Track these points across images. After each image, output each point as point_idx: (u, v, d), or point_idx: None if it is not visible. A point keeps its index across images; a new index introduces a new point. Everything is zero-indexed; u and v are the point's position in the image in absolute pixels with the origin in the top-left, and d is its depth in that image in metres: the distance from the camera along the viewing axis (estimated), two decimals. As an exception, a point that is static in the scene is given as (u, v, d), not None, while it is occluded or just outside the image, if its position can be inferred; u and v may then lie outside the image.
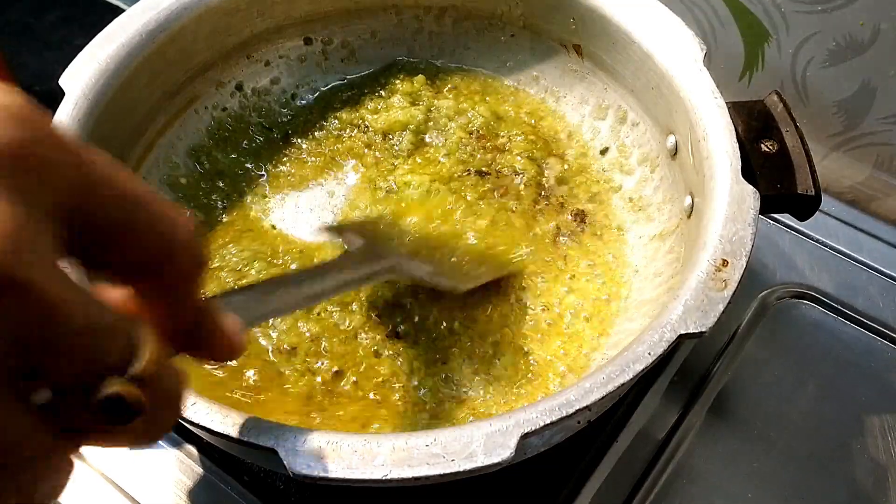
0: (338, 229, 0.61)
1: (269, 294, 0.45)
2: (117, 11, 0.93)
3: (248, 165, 0.72)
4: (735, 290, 0.48)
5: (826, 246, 0.75)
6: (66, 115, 0.58)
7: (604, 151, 0.72)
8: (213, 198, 0.70)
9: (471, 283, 0.57)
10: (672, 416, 0.64)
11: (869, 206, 0.79)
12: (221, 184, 0.71)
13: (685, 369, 0.67)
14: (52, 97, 0.97)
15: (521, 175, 0.70)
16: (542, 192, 0.70)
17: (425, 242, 0.62)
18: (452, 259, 0.60)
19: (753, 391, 0.66)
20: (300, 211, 0.69)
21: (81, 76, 0.60)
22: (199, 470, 0.62)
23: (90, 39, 0.63)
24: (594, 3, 0.67)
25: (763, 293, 0.71)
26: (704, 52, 0.60)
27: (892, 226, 0.77)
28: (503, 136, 0.74)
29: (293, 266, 0.65)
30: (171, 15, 0.65)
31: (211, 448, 0.62)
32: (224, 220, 0.69)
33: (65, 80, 0.60)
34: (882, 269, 0.73)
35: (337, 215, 0.69)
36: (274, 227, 0.68)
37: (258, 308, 0.44)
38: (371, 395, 0.58)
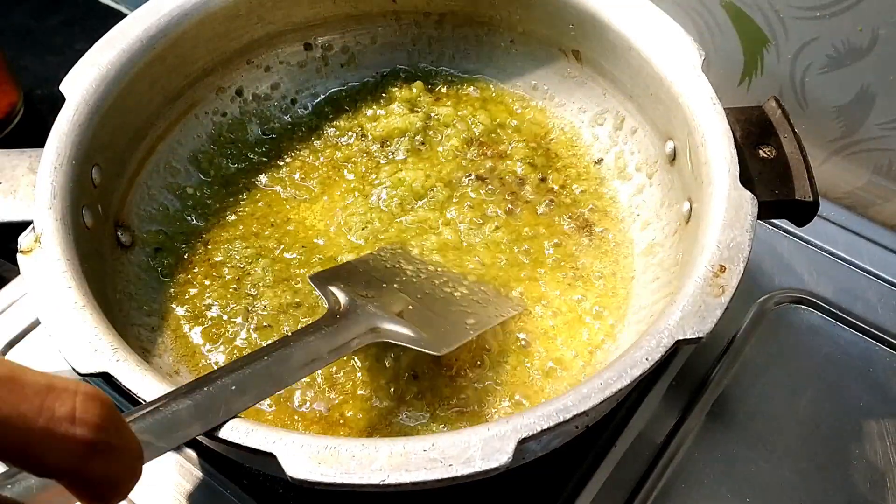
0: (324, 277, 0.60)
1: (222, 390, 0.45)
2: (119, 15, 0.93)
3: (249, 172, 0.73)
4: (732, 296, 0.49)
5: (825, 251, 0.75)
6: (66, 121, 0.58)
7: (603, 157, 0.72)
8: (219, 204, 0.71)
9: (452, 346, 0.57)
10: (671, 421, 0.64)
11: (868, 211, 0.79)
12: (225, 191, 0.71)
13: (684, 373, 0.67)
14: (53, 100, 0.97)
15: (522, 181, 0.71)
16: (544, 199, 0.70)
17: (416, 287, 0.62)
18: (438, 316, 0.59)
19: (752, 396, 0.66)
20: (302, 216, 0.70)
21: (82, 81, 0.60)
22: (199, 474, 0.62)
23: (91, 43, 0.63)
24: (593, 8, 0.67)
25: (762, 298, 0.72)
26: (703, 57, 0.61)
27: (891, 231, 0.77)
28: (503, 144, 0.74)
29: (295, 258, 0.66)
30: (171, 20, 0.65)
31: (210, 452, 0.62)
32: (230, 219, 0.70)
33: (65, 86, 0.60)
34: (881, 274, 0.73)
35: (335, 223, 0.69)
36: (286, 222, 0.69)
37: (218, 411, 0.44)
38: (376, 402, 0.58)
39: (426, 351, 0.55)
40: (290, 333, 0.52)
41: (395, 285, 0.61)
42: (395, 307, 0.57)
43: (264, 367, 0.48)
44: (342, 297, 0.56)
